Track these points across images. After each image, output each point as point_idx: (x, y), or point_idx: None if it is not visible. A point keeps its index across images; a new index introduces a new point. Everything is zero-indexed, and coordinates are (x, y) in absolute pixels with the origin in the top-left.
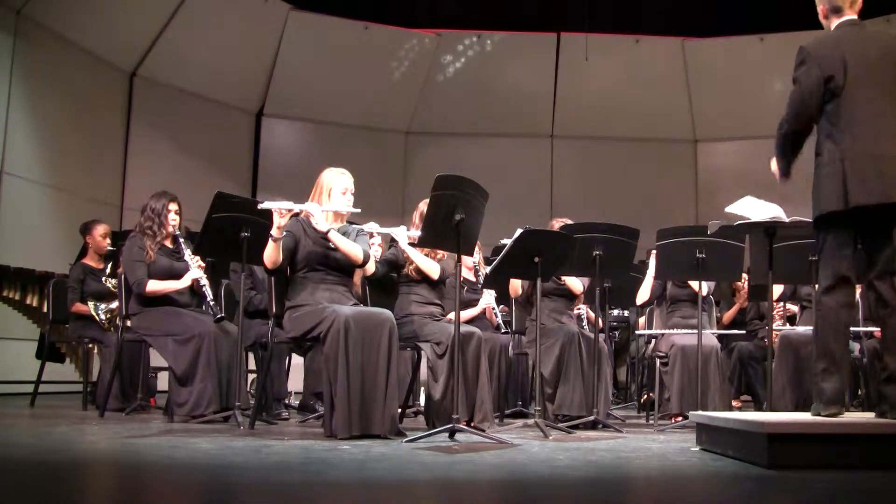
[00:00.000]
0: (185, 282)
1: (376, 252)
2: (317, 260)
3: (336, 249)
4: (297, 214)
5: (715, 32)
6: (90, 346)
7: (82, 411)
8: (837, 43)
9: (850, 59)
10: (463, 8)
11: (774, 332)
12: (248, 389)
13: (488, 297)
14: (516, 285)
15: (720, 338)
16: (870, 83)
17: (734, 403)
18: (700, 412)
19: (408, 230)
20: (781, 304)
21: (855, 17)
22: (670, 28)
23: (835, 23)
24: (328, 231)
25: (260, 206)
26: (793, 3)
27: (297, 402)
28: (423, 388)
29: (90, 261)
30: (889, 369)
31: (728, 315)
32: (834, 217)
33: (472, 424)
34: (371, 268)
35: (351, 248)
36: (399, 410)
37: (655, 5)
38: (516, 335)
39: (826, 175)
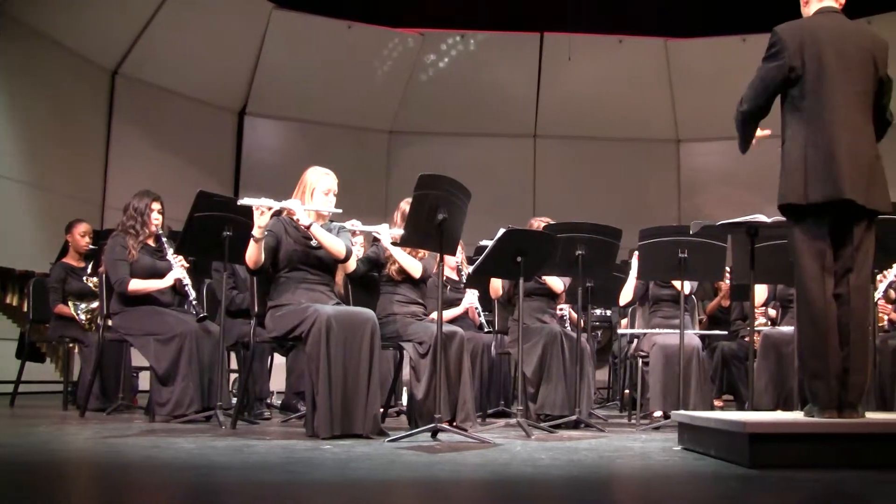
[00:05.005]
0: (167, 281)
1: (358, 251)
2: (298, 259)
3: (318, 248)
4: (278, 213)
5: (698, 33)
6: (71, 345)
7: (63, 411)
8: (813, 30)
9: (823, 48)
10: (446, 7)
11: (756, 332)
12: (230, 389)
13: (471, 297)
14: (496, 286)
15: (702, 337)
16: (840, 75)
17: (716, 403)
18: (682, 412)
19: (389, 229)
20: (765, 307)
21: (836, 5)
22: (653, 28)
23: (814, 7)
24: (310, 225)
25: (239, 203)
26: (775, 3)
27: (280, 402)
28: (405, 388)
29: (71, 260)
30: (844, 364)
31: (711, 306)
32: (802, 209)
33: (455, 424)
34: (352, 265)
35: (333, 242)
36: (381, 410)
37: (638, 6)
38: (499, 335)
39: (788, 167)
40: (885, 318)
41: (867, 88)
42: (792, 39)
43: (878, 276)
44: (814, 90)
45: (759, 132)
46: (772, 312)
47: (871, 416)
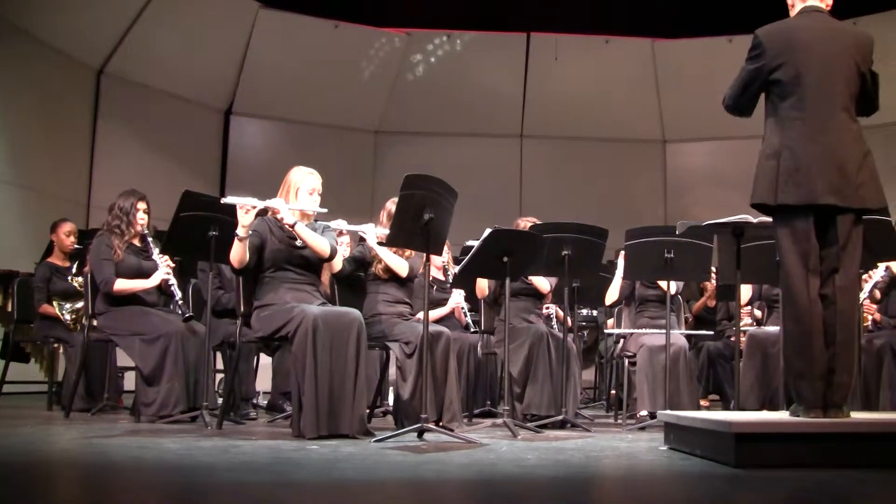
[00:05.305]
0: (153, 281)
1: (345, 251)
2: (283, 259)
3: (303, 247)
4: (263, 213)
5: (684, 34)
6: (55, 345)
7: (47, 412)
8: (796, 32)
9: (805, 50)
10: (433, 7)
11: (742, 332)
12: (216, 389)
13: (457, 297)
14: (483, 286)
15: (688, 337)
16: (823, 77)
17: (702, 402)
18: (668, 411)
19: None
20: (750, 307)
21: (821, 4)
22: (640, 29)
23: (799, 7)
24: (295, 223)
25: (223, 202)
26: (761, 4)
27: (266, 402)
28: (391, 388)
29: (56, 259)
30: (830, 364)
31: (697, 306)
32: (781, 208)
33: (441, 424)
34: (338, 264)
35: (317, 241)
36: (367, 410)
37: (625, 6)
38: (485, 335)
39: (763, 165)
40: (870, 318)
41: (851, 89)
42: (773, 42)
43: (864, 277)
44: (795, 92)
45: None
46: (757, 313)
47: (856, 415)
